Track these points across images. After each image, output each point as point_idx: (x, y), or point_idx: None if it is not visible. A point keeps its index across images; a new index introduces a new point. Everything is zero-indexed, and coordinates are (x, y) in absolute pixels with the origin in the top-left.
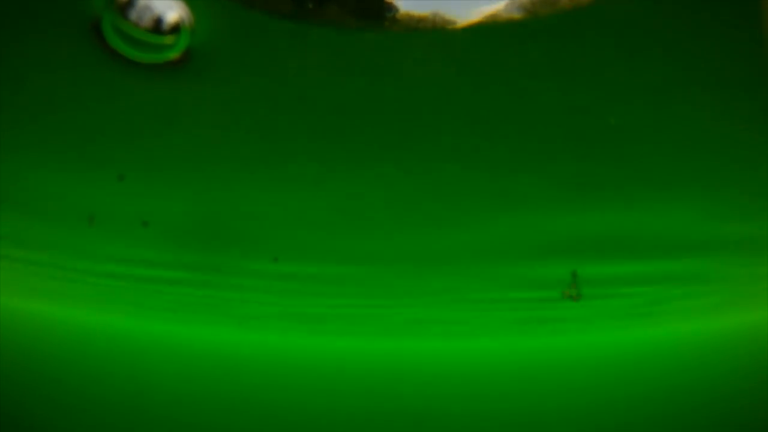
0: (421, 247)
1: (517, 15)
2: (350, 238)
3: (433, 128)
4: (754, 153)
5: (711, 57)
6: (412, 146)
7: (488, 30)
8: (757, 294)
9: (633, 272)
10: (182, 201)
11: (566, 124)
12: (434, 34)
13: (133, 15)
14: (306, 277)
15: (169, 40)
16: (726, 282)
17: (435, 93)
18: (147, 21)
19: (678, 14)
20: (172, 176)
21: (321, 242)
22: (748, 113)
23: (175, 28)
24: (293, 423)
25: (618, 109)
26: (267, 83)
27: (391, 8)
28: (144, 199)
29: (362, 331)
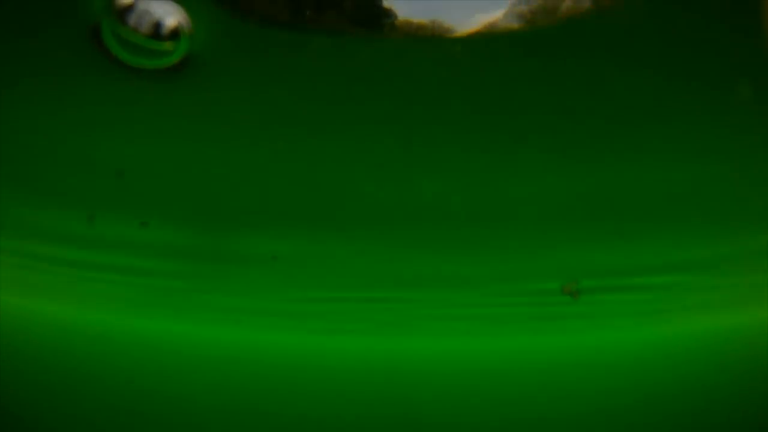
0: (421, 246)
1: (515, 25)
2: (349, 238)
3: (434, 135)
4: (758, 161)
5: (712, 67)
6: (412, 150)
7: (486, 40)
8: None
9: (635, 271)
10: (181, 203)
11: (565, 136)
12: (433, 42)
13: (132, 20)
14: (306, 276)
15: (168, 45)
16: (731, 279)
17: (432, 102)
18: (146, 27)
19: (679, 22)
20: (171, 180)
21: (320, 243)
22: (751, 122)
23: (174, 34)
24: (294, 423)
25: (618, 121)
26: (266, 88)
27: (390, 15)
28: (143, 201)
29: (360, 329)
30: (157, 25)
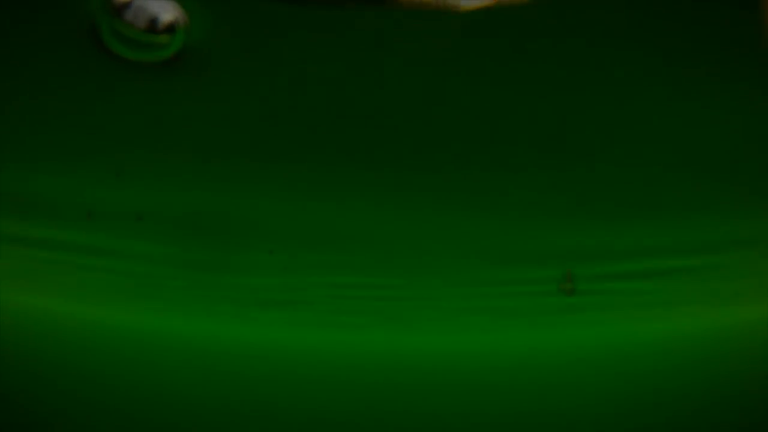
0: (417, 242)
1: None
2: (346, 232)
3: (436, 123)
4: (757, 152)
5: (712, 56)
6: (413, 140)
7: (492, 14)
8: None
9: (637, 265)
10: (178, 196)
11: (571, 117)
12: (437, 16)
13: (129, 15)
14: (303, 272)
15: (163, 39)
16: (735, 273)
17: (436, 82)
18: (142, 21)
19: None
20: (168, 172)
21: (318, 237)
22: (751, 116)
23: (170, 28)
24: (294, 422)
25: (624, 102)
26: (261, 81)
27: None
28: (140, 194)
29: (358, 323)
30: (154, 20)
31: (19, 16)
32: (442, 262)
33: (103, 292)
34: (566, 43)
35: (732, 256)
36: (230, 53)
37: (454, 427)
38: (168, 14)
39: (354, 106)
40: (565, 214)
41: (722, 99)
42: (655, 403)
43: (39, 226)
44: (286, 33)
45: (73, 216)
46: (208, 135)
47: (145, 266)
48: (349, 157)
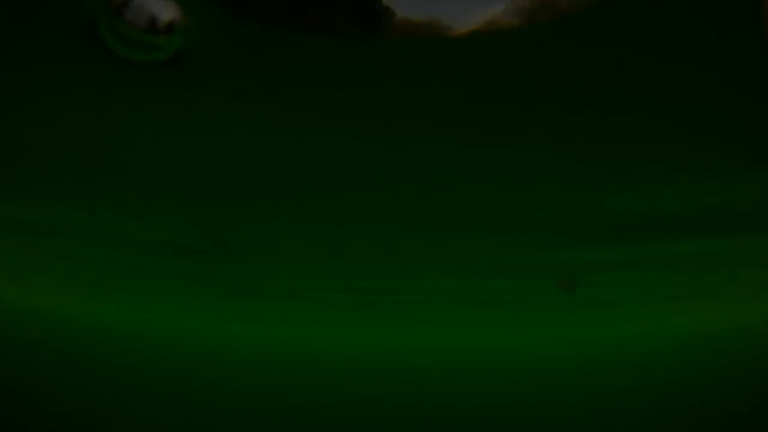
0: (416, 240)
1: (516, 20)
2: (345, 230)
3: (432, 131)
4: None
5: (712, 58)
6: (411, 144)
7: (486, 37)
8: None
9: (638, 262)
10: (177, 193)
11: (566, 132)
12: (432, 42)
13: (129, 15)
14: (302, 270)
15: (162, 39)
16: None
17: (432, 101)
18: (141, 21)
19: (679, 16)
20: (167, 169)
21: (317, 235)
22: (755, 117)
23: (169, 28)
24: (290, 416)
25: (619, 115)
26: (260, 82)
27: (389, 14)
28: (140, 191)
29: (354, 321)
30: (153, 20)
31: (19, 16)
32: (440, 259)
33: (101, 288)
34: (559, 61)
35: (732, 254)
36: (228, 53)
37: (452, 422)
38: (167, 14)
39: (352, 106)
40: (564, 211)
41: (723, 99)
42: (654, 399)
43: (38, 223)
44: (285, 35)
45: (73, 213)
46: (207, 133)
47: (144, 263)
48: (347, 158)
